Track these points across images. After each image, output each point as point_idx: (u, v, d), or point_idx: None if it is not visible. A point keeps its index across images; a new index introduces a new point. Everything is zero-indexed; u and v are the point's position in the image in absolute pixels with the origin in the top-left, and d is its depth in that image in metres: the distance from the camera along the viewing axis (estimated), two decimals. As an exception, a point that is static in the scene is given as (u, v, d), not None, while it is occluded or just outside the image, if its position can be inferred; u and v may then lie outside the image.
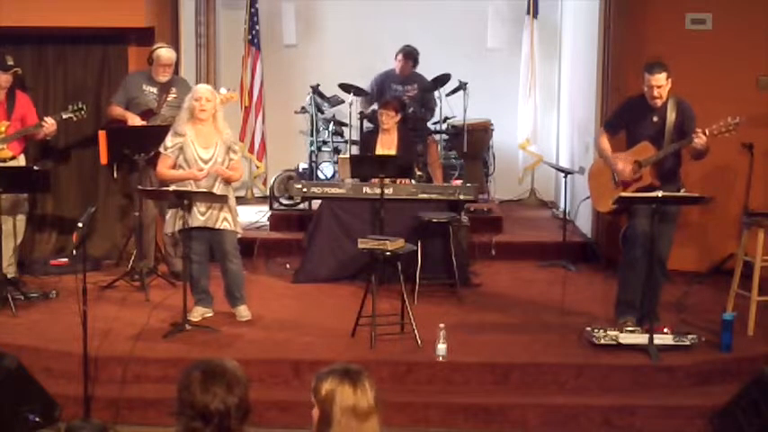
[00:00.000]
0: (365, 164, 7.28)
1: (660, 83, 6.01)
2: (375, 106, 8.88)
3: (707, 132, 5.87)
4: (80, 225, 5.20)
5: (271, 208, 9.21)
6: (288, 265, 7.95)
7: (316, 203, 8.01)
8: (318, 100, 9.67)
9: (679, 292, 6.97)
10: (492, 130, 9.89)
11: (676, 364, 5.71)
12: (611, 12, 8.18)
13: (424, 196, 7.49)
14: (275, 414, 5.33)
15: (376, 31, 10.23)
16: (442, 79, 9.38)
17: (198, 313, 6.42)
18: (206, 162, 6.26)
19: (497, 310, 6.83)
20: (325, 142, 9.67)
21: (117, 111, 7.44)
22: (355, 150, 9.04)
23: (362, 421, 2.84)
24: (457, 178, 9.14)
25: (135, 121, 7.35)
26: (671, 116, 6.06)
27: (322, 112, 9.76)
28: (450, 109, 9.60)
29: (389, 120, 7.78)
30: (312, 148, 9.64)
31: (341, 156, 8.72)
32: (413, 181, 7.60)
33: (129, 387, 5.53)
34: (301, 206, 8.96)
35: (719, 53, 7.65)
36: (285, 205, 9.21)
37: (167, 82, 7.46)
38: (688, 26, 7.76)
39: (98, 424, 5.17)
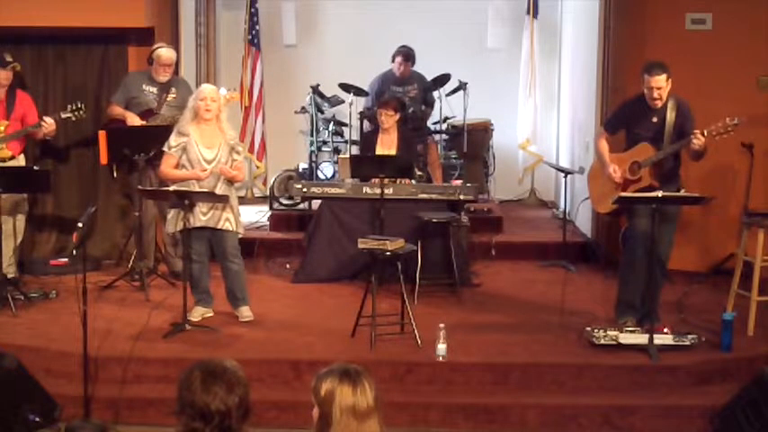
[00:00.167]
0: (365, 164, 7.28)
1: (660, 84, 5.99)
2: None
3: (705, 133, 5.86)
4: (80, 225, 5.19)
5: (271, 208, 9.22)
6: (288, 265, 7.96)
7: (316, 203, 8.01)
8: (318, 100, 9.68)
9: (679, 292, 6.96)
10: (492, 130, 9.89)
11: (676, 364, 5.71)
12: (611, 12, 8.18)
13: (424, 196, 7.49)
14: (275, 414, 5.34)
15: (376, 32, 10.23)
16: (442, 79, 9.38)
17: (198, 313, 6.42)
18: (209, 162, 6.26)
19: (497, 310, 6.83)
20: (325, 142, 9.68)
21: (117, 110, 7.45)
22: (355, 150, 9.04)
23: (362, 421, 2.84)
24: (457, 178, 9.14)
25: (134, 120, 7.35)
26: (671, 117, 6.05)
27: (322, 112, 9.77)
28: (450, 109, 9.60)
29: (389, 119, 7.77)
30: (312, 148, 9.64)
31: (341, 156, 8.73)
32: (413, 181, 7.60)
33: (129, 387, 5.52)
34: (301, 206, 8.96)
35: (719, 53, 7.65)
36: (285, 205, 9.21)
37: (167, 82, 7.46)
38: (688, 26, 7.75)
39: (98, 424, 5.15)
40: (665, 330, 5.89)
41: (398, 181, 7.55)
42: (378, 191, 6.86)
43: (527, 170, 10.35)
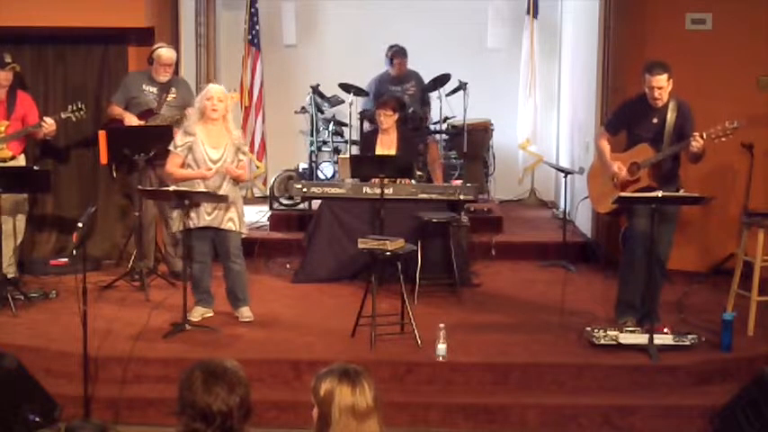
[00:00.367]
0: (365, 164, 7.28)
1: (661, 84, 5.98)
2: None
3: (704, 136, 5.86)
4: (80, 225, 5.19)
5: (271, 208, 9.22)
6: (288, 265, 7.96)
7: (316, 203, 8.01)
8: (318, 100, 9.68)
9: (679, 292, 6.96)
10: (492, 130, 9.89)
11: (676, 364, 5.71)
12: (611, 12, 8.18)
13: (424, 196, 7.49)
14: (275, 414, 5.33)
15: (376, 32, 10.22)
16: (442, 79, 9.38)
17: (198, 313, 6.42)
18: (215, 162, 6.25)
19: (497, 310, 6.83)
20: (325, 142, 9.68)
21: (116, 110, 7.45)
22: (355, 150, 9.04)
23: (361, 421, 2.83)
24: (457, 178, 9.14)
25: (132, 121, 7.35)
26: (671, 118, 6.04)
27: (322, 112, 9.77)
28: (450, 109, 9.60)
29: (387, 119, 7.76)
30: (312, 148, 9.64)
31: (341, 156, 8.73)
32: (413, 181, 7.60)
33: (129, 387, 5.52)
34: (301, 206, 8.96)
35: (719, 53, 7.65)
36: (285, 205, 9.21)
37: (167, 82, 7.46)
38: (688, 26, 7.75)
39: (98, 424, 5.15)
40: (665, 330, 5.89)
41: (398, 181, 7.55)
42: (378, 191, 6.86)
43: (527, 170, 10.35)
